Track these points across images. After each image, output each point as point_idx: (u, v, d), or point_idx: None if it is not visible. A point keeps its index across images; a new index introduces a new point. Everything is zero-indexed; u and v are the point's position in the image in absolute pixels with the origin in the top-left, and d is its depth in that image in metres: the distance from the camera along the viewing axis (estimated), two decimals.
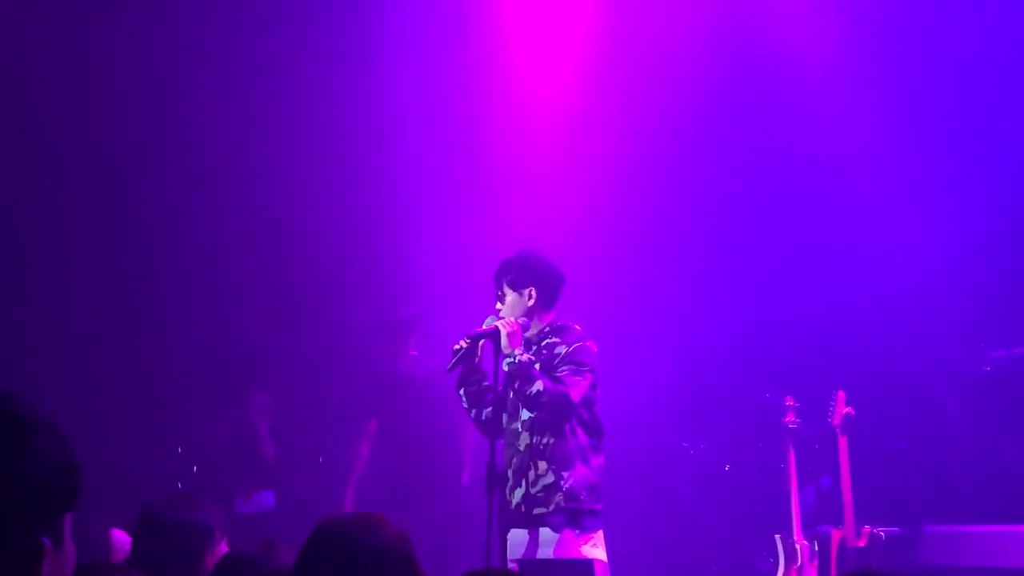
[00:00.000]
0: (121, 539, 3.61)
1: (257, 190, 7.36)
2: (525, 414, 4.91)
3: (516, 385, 4.80)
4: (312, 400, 7.47)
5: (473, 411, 5.03)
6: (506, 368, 4.82)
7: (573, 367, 4.87)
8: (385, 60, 7.57)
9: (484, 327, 4.94)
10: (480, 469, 4.78)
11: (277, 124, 7.37)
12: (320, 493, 6.96)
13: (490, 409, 4.95)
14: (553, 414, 4.82)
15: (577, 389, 4.83)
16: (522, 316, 4.95)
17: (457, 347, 4.92)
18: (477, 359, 4.97)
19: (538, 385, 4.75)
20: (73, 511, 1.57)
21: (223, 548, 3.26)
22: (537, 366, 4.88)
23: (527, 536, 4.86)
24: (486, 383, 4.99)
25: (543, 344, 4.99)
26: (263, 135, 7.34)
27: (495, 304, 5.04)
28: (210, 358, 7.20)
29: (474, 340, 4.91)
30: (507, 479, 4.90)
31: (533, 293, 4.99)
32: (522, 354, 4.80)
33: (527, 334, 4.98)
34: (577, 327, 5.05)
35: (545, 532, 4.82)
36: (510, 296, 4.98)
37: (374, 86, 7.56)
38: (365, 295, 7.56)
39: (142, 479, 6.63)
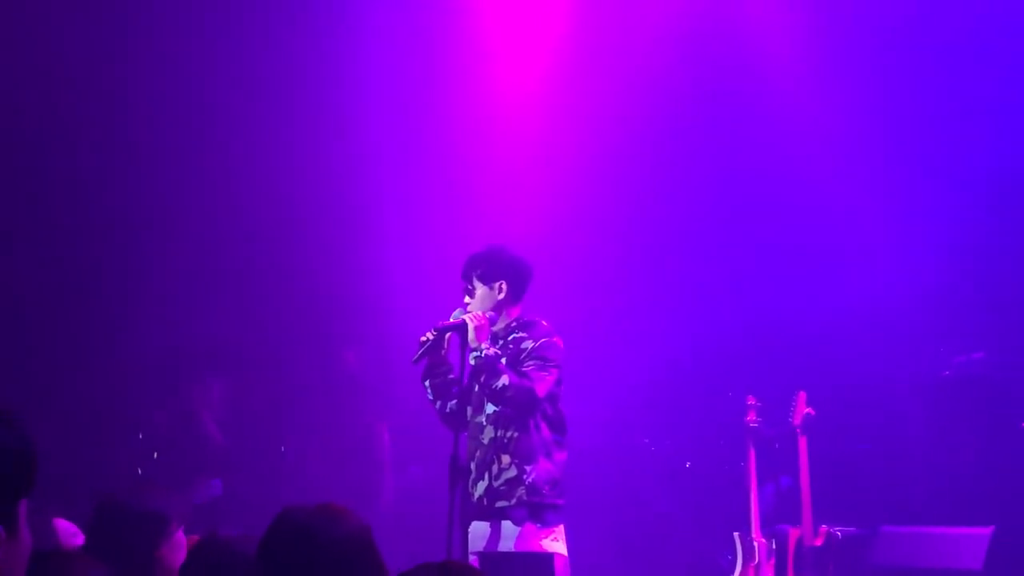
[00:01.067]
0: (67, 528, 3.59)
1: (222, 182, 7.32)
2: (490, 408, 4.92)
3: (482, 379, 4.82)
4: (270, 391, 7.45)
5: (438, 403, 5.04)
6: (472, 362, 4.83)
7: (539, 362, 4.89)
8: (357, 53, 7.55)
9: (451, 320, 4.96)
10: (442, 462, 4.79)
11: (245, 118, 7.32)
12: (272, 483, 6.93)
13: (455, 402, 4.96)
14: (518, 408, 4.84)
15: (543, 384, 4.86)
16: (491, 310, 4.97)
17: (424, 339, 4.93)
18: (443, 351, 4.99)
19: (504, 379, 4.77)
20: (28, 498, 1.57)
21: (180, 537, 3.25)
22: (504, 360, 4.91)
23: (488, 529, 4.88)
24: (451, 376, 5.00)
25: (510, 339, 5.01)
26: (230, 127, 7.29)
27: (463, 298, 5.06)
28: (169, 345, 7.17)
29: (441, 332, 4.92)
30: (470, 472, 4.92)
31: (503, 287, 5.00)
32: (488, 348, 4.82)
33: (494, 328, 5.00)
34: (544, 323, 5.07)
35: (507, 525, 4.85)
36: (480, 289, 4.99)
37: (344, 78, 7.53)
38: (330, 287, 7.54)
39: (102, 466, 6.60)
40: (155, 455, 6.87)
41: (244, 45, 7.27)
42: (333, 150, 7.52)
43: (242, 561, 2.66)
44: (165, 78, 7.15)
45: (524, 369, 4.86)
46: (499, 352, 4.86)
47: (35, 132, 6.95)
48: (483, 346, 4.80)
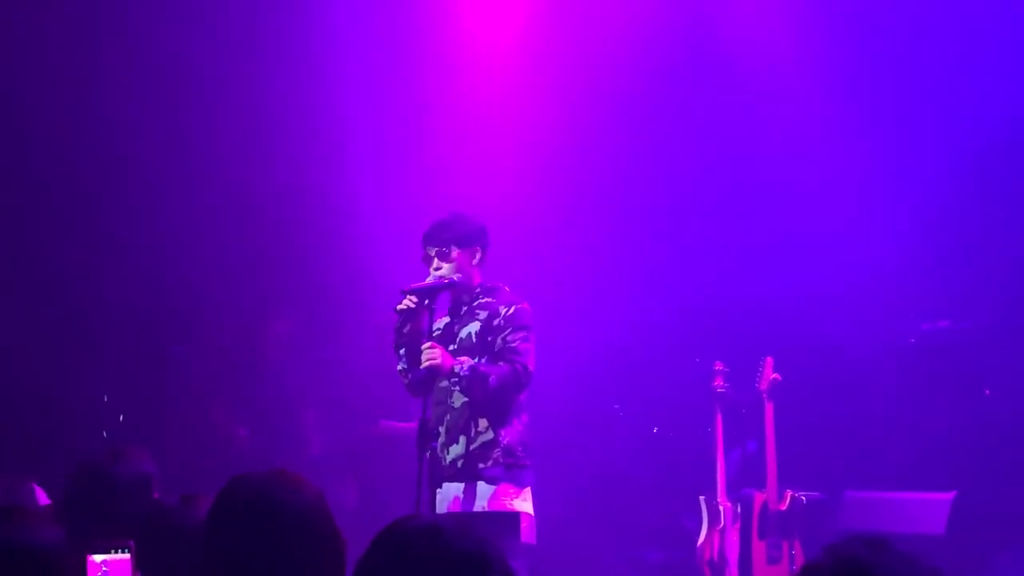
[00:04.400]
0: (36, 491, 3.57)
1: (201, 146, 7.24)
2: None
3: (474, 394, 4.80)
4: (239, 357, 7.43)
5: (409, 374, 5.02)
6: (457, 387, 4.82)
7: (523, 333, 4.90)
8: (325, 21, 7.47)
9: (427, 282, 4.94)
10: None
11: (215, 85, 7.24)
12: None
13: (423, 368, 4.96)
14: (517, 393, 4.87)
15: (531, 356, 4.89)
16: (457, 274, 4.95)
17: (401, 307, 4.90)
18: (422, 318, 4.96)
19: (491, 379, 4.79)
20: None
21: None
22: (477, 326, 4.91)
23: (458, 490, 4.90)
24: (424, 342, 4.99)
25: (475, 304, 5.01)
26: (203, 91, 7.22)
27: (426, 265, 5.00)
28: (140, 308, 7.12)
29: (420, 297, 4.90)
30: (438, 435, 4.93)
31: (478, 253, 5.00)
32: (461, 367, 4.79)
33: (461, 296, 5.00)
34: (507, 288, 5.07)
35: (480, 486, 4.87)
36: (457, 254, 4.95)
37: (315, 45, 7.45)
38: (304, 258, 7.51)
39: (67, 429, 6.57)
40: (120, 417, 6.83)
41: (210, 7, 7.18)
42: (305, 119, 7.44)
43: (189, 528, 2.63)
44: (139, 53, 7.07)
45: (510, 342, 4.86)
46: (471, 361, 4.83)
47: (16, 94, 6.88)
48: (456, 368, 4.78)
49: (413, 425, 6.00)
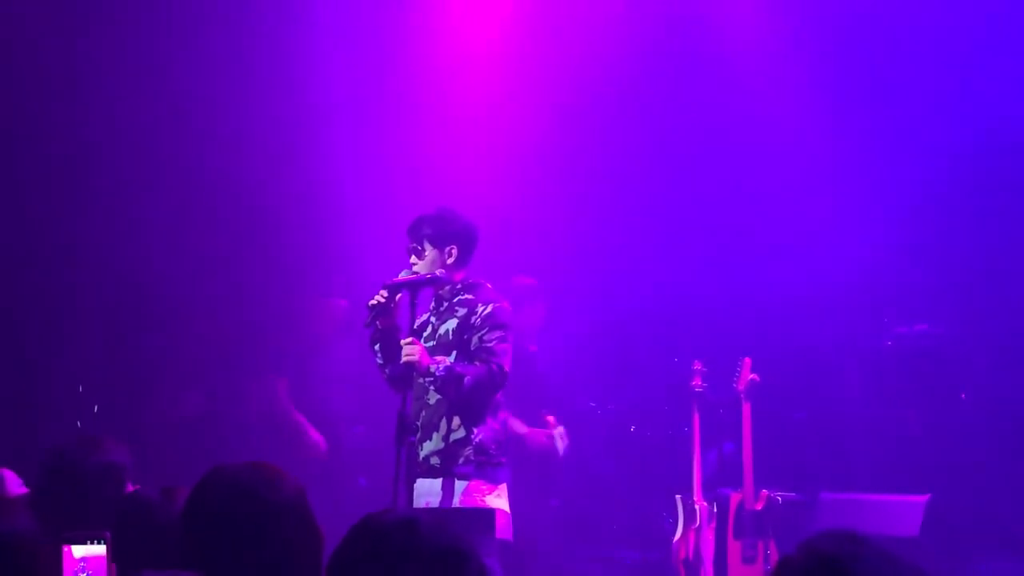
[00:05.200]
0: (12, 478, 3.54)
1: (175, 135, 7.19)
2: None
3: (448, 393, 4.80)
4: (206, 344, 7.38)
5: (387, 368, 5.02)
6: (432, 387, 4.82)
7: (499, 333, 4.90)
8: (310, 14, 7.44)
9: (399, 277, 4.94)
10: (387, 423, 4.79)
11: (201, 73, 7.19)
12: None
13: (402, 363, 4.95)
14: (492, 394, 4.86)
15: (507, 356, 4.90)
16: (440, 269, 4.96)
17: (373, 302, 4.90)
18: (394, 313, 4.95)
19: (466, 380, 4.79)
20: None
21: (129, 487, 3.22)
22: (454, 323, 4.91)
23: (433, 486, 4.91)
24: (401, 338, 4.99)
25: (455, 300, 5.01)
26: (181, 82, 7.17)
27: (408, 258, 5.03)
28: (115, 298, 7.07)
29: (391, 292, 4.89)
30: (416, 430, 4.92)
31: (454, 251, 4.99)
32: (438, 367, 4.79)
33: (440, 291, 5.00)
34: (488, 285, 5.07)
35: (452, 483, 4.88)
36: (430, 252, 4.97)
37: (299, 38, 7.42)
38: (287, 249, 7.47)
39: (41, 417, 6.52)
40: (95, 408, 6.78)
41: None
42: (290, 106, 7.40)
43: (167, 520, 2.61)
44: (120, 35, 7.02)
45: (486, 342, 4.86)
46: (447, 361, 4.83)
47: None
48: (432, 368, 4.78)
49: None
